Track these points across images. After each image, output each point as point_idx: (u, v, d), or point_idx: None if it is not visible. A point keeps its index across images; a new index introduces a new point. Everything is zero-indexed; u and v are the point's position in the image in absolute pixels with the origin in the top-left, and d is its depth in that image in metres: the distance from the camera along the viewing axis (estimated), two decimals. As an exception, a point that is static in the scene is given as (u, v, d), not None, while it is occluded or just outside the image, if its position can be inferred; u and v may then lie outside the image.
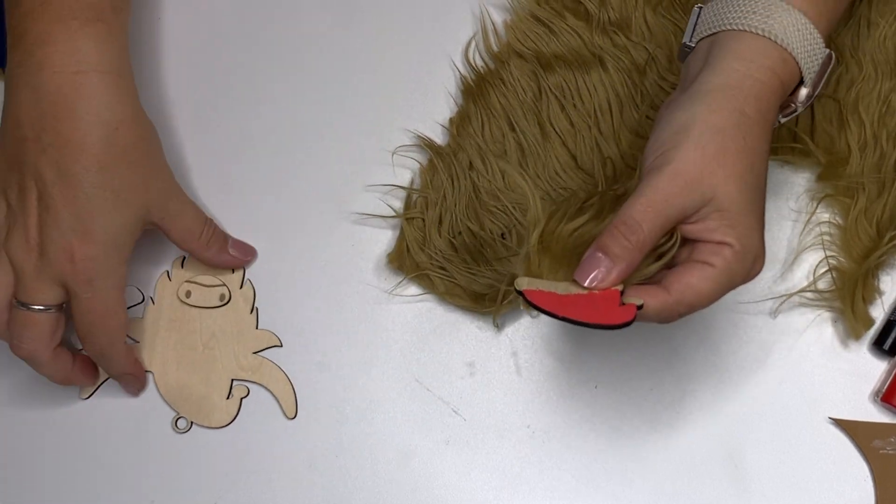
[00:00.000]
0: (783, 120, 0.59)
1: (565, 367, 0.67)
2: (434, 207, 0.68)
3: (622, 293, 0.53)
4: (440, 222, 0.67)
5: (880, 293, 0.67)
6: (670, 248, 0.54)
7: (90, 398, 0.66)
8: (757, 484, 0.65)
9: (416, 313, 0.68)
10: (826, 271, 0.67)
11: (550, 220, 0.55)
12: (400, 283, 0.68)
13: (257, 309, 0.67)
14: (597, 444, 0.66)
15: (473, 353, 0.67)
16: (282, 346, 0.67)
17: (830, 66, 0.59)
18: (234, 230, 0.69)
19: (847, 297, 0.66)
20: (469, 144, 0.69)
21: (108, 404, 0.66)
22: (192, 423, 0.66)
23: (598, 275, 0.53)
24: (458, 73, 0.71)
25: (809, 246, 0.68)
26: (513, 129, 0.69)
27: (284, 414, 0.65)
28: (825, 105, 0.68)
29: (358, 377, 0.67)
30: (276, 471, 0.66)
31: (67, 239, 0.58)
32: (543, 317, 0.67)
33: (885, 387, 0.65)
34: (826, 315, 0.67)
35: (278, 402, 0.66)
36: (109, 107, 0.59)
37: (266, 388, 0.66)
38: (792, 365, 0.66)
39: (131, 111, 0.60)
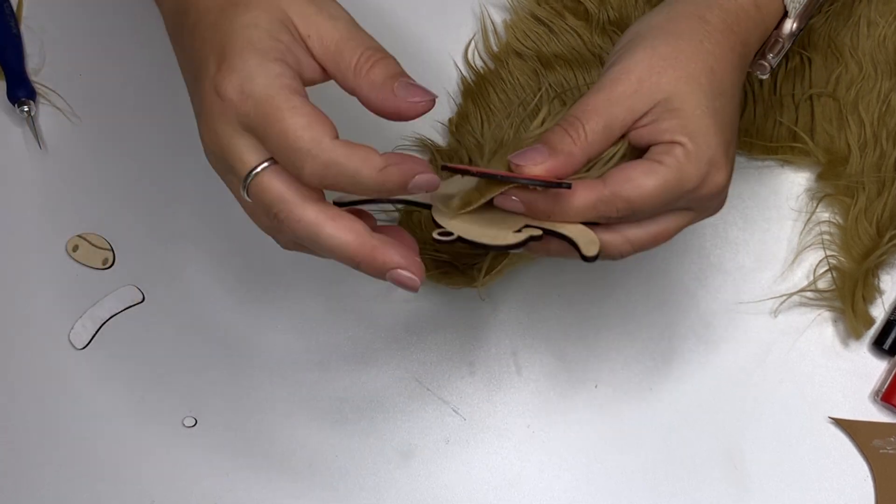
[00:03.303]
0: (772, 58, 0.57)
1: (565, 366, 0.67)
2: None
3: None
4: None
5: (880, 292, 0.67)
6: (616, 151, 0.52)
7: (89, 397, 0.66)
8: (757, 483, 0.65)
9: (417, 313, 0.68)
10: (826, 271, 0.67)
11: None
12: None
13: None
14: (597, 443, 0.66)
15: (473, 352, 0.67)
16: None
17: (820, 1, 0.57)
18: (234, 229, 0.69)
19: (847, 296, 0.66)
20: (469, 144, 0.69)
21: (109, 403, 0.67)
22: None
23: (531, 155, 0.50)
24: (458, 72, 0.71)
25: (809, 245, 0.68)
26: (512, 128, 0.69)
27: (582, 255, 0.51)
28: (825, 104, 0.68)
29: (358, 376, 0.67)
30: (276, 471, 0.66)
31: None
32: (542, 316, 0.67)
33: (885, 386, 0.65)
34: (826, 315, 0.67)
35: (575, 243, 0.51)
36: None
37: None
38: (792, 364, 0.66)
39: None
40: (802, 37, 0.68)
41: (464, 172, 0.51)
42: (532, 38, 0.70)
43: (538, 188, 0.50)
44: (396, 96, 0.48)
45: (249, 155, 0.49)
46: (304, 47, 0.50)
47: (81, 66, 0.72)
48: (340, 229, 0.48)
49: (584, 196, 0.50)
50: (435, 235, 0.49)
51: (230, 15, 0.49)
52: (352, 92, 0.50)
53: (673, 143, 0.50)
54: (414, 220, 0.68)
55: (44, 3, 0.73)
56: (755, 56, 0.57)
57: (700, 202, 0.52)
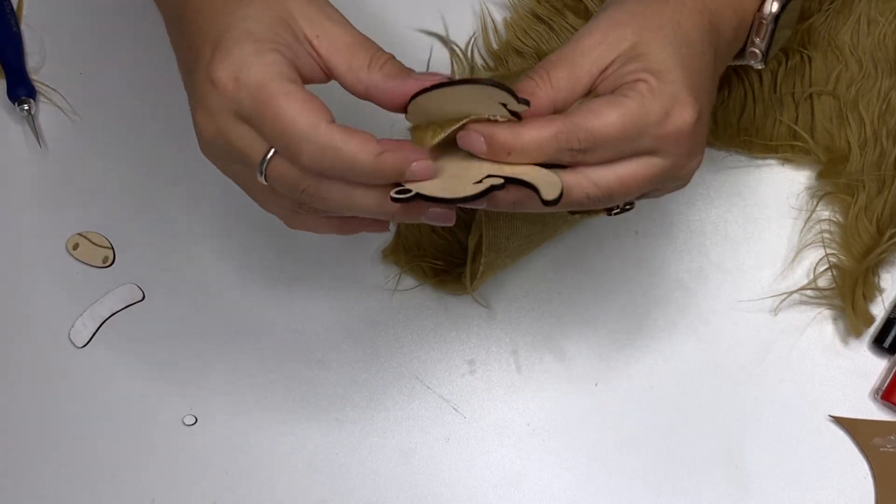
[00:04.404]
0: (760, 43, 0.57)
1: (565, 365, 0.67)
2: None
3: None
4: None
5: (881, 291, 0.67)
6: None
7: (89, 396, 0.66)
8: (757, 482, 0.65)
9: (417, 311, 0.68)
10: (826, 269, 0.67)
11: None
12: (397, 277, 0.68)
13: None
14: (597, 442, 0.66)
15: (474, 350, 0.67)
16: None
17: None
18: (233, 228, 0.69)
19: (847, 294, 0.66)
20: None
21: (109, 401, 0.67)
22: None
23: None
24: (458, 70, 0.71)
25: (810, 244, 0.68)
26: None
27: (542, 199, 0.49)
28: (825, 103, 0.68)
29: (358, 375, 0.67)
30: (276, 470, 0.66)
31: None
32: (542, 315, 0.67)
33: (886, 385, 0.65)
34: (826, 313, 0.67)
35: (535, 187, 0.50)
36: None
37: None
38: (792, 363, 0.66)
39: None
40: (802, 35, 0.68)
41: (424, 91, 0.49)
42: (532, 37, 0.70)
43: (498, 117, 0.49)
44: (416, 80, 0.49)
45: (257, 141, 0.49)
46: (307, 47, 0.50)
47: (81, 64, 0.72)
48: (371, 189, 0.48)
49: (544, 127, 0.49)
50: (392, 194, 0.48)
51: (231, 7, 0.49)
52: (363, 87, 0.50)
53: (636, 81, 0.50)
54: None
55: (44, 2, 0.73)
56: (744, 45, 0.58)
57: (666, 144, 0.50)
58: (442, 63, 0.71)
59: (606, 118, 0.48)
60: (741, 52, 0.59)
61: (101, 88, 0.71)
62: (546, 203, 0.48)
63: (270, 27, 0.49)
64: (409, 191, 0.48)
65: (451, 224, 0.51)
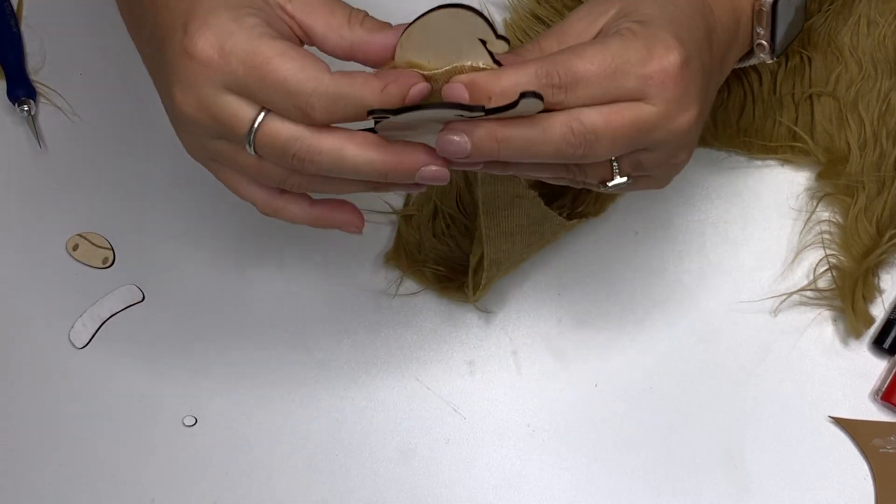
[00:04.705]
0: (762, 32, 0.57)
1: (565, 365, 0.67)
2: (429, 202, 0.68)
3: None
4: (434, 216, 0.67)
5: (880, 292, 0.67)
6: None
7: (89, 396, 0.66)
8: (757, 483, 0.65)
9: (417, 312, 0.68)
10: (826, 270, 0.67)
11: None
12: (399, 282, 0.68)
13: None
14: (596, 442, 0.66)
15: (473, 351, 0.67)
16: None
17: None
18: (233, 228, 0.69)
19: (847, 295, 0.66)
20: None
21: (109, 402, 0.67)
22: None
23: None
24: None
25: (809, 244, 0.68)
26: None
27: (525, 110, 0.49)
28: (825, 104, 0.68)
29: (358, 376, 0.67)
30: (276, 470, 0.66)
31: None
32: (542, 316, 0.67)
33: (886, 385, 0.65)
34: (826, 314, 0.67)
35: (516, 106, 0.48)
36: None
37: None
38: (792, 364, 0.66)
39: None
40: (802, 36, 0.68)
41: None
42: (532, 37, 0.70)
43: (480, 64, 0.48)
44: (396, 32, 0.49)
45: (242, 109, 0.48)
46: (280, 12, 0.49)
47: (81, 65, 0.72)
48: (363, 146, 0.48)
49: (523, 67, 0.48)
50: (373, 120, 0.48)
51: None
52: (347, 44, 0.49)
53: (621, 29, 0.50)
54: (413, 223, 0.68)
55: (44, 3, 0.73)
56: (751, 41, 0.57)
57: (651, 86, 0.49)
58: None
59: (586, 55, 0.48)
60: (750, 51, 0.59)
61: (101, 88, 0.71)
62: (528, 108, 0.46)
63: None
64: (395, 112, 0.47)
65: (444, 183, 0.50)
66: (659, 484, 0.65)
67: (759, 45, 0.58)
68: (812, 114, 0.68)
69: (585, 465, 0.65)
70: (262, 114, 0.48)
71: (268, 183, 0.51)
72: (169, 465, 0.66)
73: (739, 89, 0.68)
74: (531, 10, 0.71)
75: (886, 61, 0.68)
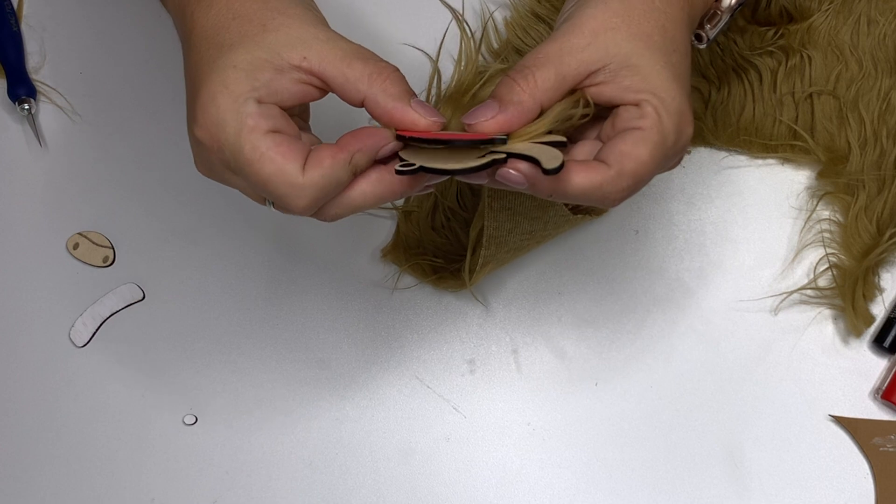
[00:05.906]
0: (710, 30, 0.58)
1: (565, 364, 0.67)
2: (429, 197, 0.68)
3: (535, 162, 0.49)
4: (434, 210, 0.67)
5: (881, 290, 0.67)
6: (575, 112, 0.52)
7: (90, 395, 0.66)
8: (757, 482, 0.65)
9: (417, 311, 0.68)
10: (826, 269, 0.67)
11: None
12: (397, 276, 0.68)
13: None
14: (596, 441, 0.66)
15: (474, 350, 0.67)
16: None
17: None
18: (232, 227, 0.69)
19: (847, 294, 0.66)
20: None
21: (109, 401, 0.67)
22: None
23: (482, 112, 0.50)
24: (457, 69, 0.71)
25: (810, 243, 0.68)
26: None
27: (544, 169, 0.49)
28: (825, 103, 0.68)
29: (358, 375, 0.67)
30: (276, 469, 0.66)
31: None
32: (542, 314, 0.67)
33: (886, 384, 0.65)
34: (826, 313, 0.67)
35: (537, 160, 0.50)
36: None
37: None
38: (792, 362, 0.66)
39: None
40: (802, 35, 0.68)
41: (416, 141, 0.50)
42: (533, 36, 0.70)
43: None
44: (414, 110, 0.50)
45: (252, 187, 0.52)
46: (295, 74, 0.50)
47: (82, 64, 0.72)
48: (374, 184, 0.51)
49: (588, 177, 0.50)
50: (397, 168, 0.49)
51: (214, 55, 0.50)
52: (361, 99, 0.51)
53: (640, 103, 0.51)
54: (412, 220, 0.68)
55: (44, 2, 0.73)
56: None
57: (676, 153, 0.52)
58: (443, 61, 0.71)
59: (639, 156, 0.50)
60: None
61: (101, 88, 0.71)
62: (546, 172, 0.48)
63: (247, 74, 0.49)
64: (413, 164, 0.49)
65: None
66: (659, 483, 0.65)
67: (697, 34, 0.59)
68: (812, 113, 0.68)
69: (585, 465, 0.65)
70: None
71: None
72: (169, 465, 0.66)
73: (740, 88, 0.68)
74: (531, 8, 0.71)
75: (887, 60, 0.68)
